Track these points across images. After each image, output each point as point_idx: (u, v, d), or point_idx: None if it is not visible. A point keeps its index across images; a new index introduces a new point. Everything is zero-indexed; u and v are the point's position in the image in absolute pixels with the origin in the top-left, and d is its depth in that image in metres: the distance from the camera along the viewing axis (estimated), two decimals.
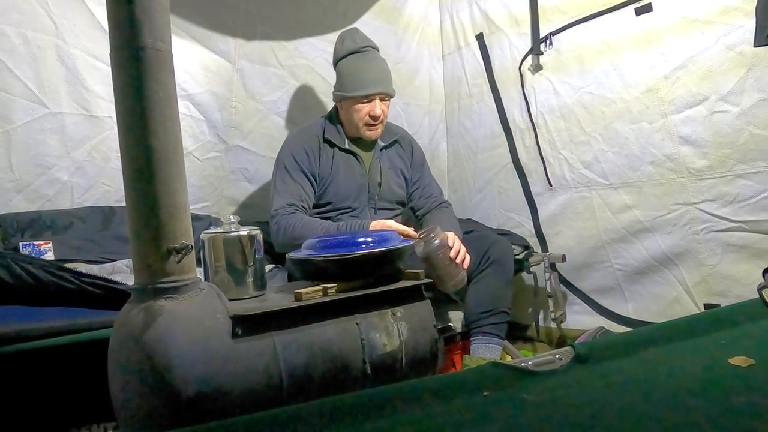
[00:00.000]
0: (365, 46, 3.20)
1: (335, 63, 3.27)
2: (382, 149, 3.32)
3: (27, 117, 2.95)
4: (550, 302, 3.77)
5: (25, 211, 2.96)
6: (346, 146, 3.23)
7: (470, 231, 3.41)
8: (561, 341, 3.76)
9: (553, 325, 3.82)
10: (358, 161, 3.24)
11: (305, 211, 3.04)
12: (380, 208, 3.29)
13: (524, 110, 3.90)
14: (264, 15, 3.71)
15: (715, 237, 3.05)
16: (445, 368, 3.09)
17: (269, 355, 1.70)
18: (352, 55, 3.19)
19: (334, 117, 3.31)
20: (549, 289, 3.75)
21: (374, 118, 3.15)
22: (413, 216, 3.49)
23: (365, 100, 3.12)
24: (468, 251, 2.91)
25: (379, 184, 3.27)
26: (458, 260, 2.77)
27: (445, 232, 2.80)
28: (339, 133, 3.24)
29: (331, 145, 3.21)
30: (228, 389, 1.60)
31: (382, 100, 3.16)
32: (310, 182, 3.12)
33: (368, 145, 3.29)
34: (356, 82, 3.13)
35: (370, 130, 3.19)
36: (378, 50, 3.27)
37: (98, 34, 3.08)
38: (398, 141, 3.43)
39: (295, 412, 1.42)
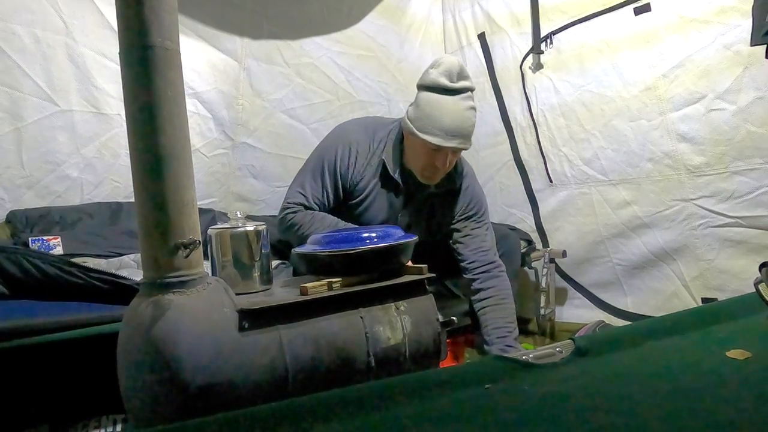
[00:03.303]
0: (463, 89, 2.65)
1: (420, 86, 2.73)
2: (429, 195, 2.91)
3: (38, 114, 2.99)
4: (542, 298, 3.79)
5: (34, 207, 3.00)
6: (395, 176, 2.79)
7: None
8: (561, 335, 3.79)
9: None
10: (397, 197, 2.86)
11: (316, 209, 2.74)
12: None
13: (525, 108, 3.93)
14: (270, 15, 3.74)
15: (713, 232, 3.08)
16: (447, 361, 3.11)
17: (275, 348, 1.68)
18: (442, 93, 2.65)
19: (401, 139, 2.84)
20: (543, 284, 3.78)
21: (437, 169, 2.72)
22: (458, 263, 2.98)
23: (435, 148, 2.64)
24: None
25: (408, 226, 2.91)
26: None
27: None
28: (394, 159, 2.80)
29: (381, 167, 2.80)
30: (235, 381, 1.60)
31: (453, 152, 2.70)
32: (336, 193, 2.79)
33: (419, 184, 2.84)
34: (433, 127, 2.63)
35: (426, 177, 2.77)
36: (473, 91, 2.72)
37: (107, 34, 3.12)
38: (457, 192, 2.96)
39: (300, 404, 1.43)
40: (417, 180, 2.82)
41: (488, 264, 2.91)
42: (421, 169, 2.75)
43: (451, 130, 2.63)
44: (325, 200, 2.77)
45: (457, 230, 2.96)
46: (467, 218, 2.97)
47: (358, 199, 2.83)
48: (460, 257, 2.95)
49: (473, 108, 2.70)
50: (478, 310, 2.87)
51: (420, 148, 2.69)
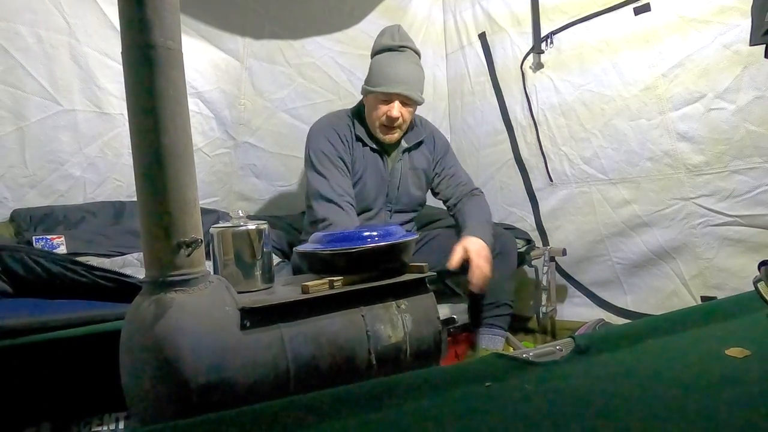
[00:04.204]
0: (402, 46, 3.02)
1: (371, 56, 3.12)
2: (404, 151, 3.18)
3: (41, 114, 2.99)
4: (543, 296, 3.80)
5: (38, 206, 3.01)
6: (374, 146, 3.09)
7: None
8: (561, 333, 3.80)
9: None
10: (384, 163, 3.13)
11: (352, 208, 2.92)
12: (396, 211, 3.20)
13: (525, 107, 3.94)
14: (272, 15, 3.75)
15: (712, 231, 3.09)
16: (448, 359, 3.11)
17: (277, 346, 1.69)
18: (386, 51, 3.02)
19: (362, 114, 3.15)
20: (544, 283, 3.79)
21: (390, 119, 2.97)
22: (444, 205, 3.34)
23: (384, 98, 2.95)
24: None
25: (398, 188, 3.17)
26: (478, 288, 2.76)
27: (459, 256, 2.78)
28: (367, 134, 3.10)
29: (363, 144, 3.09)
30: (237, 379, 1.61)
31: (403, 103, 2.98)
32: (348, 173, 3.01)
33: (393, 145, 3.15)
34: (380, 79, 2.96)
35: (383, 132, 3.03)
36: (418, 54, 3.10)
37: (110, 33, 3.12)
38: (423, 141, 3.26)
39: (302, 401, 1.43)
40: (391, 143, 3.12)
41: (469, 192, 3.23)
42: (378, 124, 3.02)
43: (395, 78, 2.94)
44: (345, 185, 2.94)
45: (437, 174, 3.29)
46: (441, 158, 3.30)
47: (356, 176, 3.04)
48: (443, 196, 3.30)
49: (417, 64, 3.07)
50: (458, 213, 3.18)
51: (373, 103, 3.02)
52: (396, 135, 3.06)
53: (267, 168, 3.90)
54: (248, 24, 3.67)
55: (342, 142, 3.01)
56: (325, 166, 2.93)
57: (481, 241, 2.85)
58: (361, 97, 3.14)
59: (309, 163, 3.00)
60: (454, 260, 2.77)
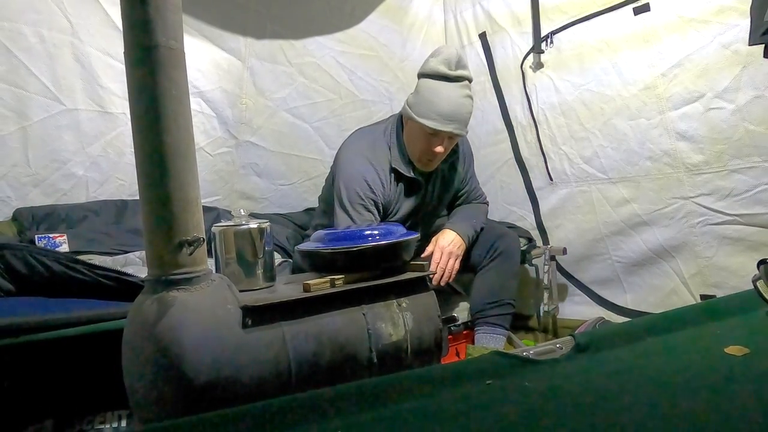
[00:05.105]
0: (459, 77, 2.81)
1: (420, 74, 2.91)
2: (440, 172, 3.12)
3: (43, 113, 3.00)
4: (546, 294, 3.81)
5: (40, 205, 3.02)
6: (412, 175, 2.97)
7: None
8: (561, 331, 3.80)
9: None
10: (419, 187, 3.05)
11: None
12: (424, 225, 3.16)
13: (526, 107, 3.94)
14: (273, 14, 3.75)
15: (711, 230, 3.10)
16: (449, 357, 3.12)
17: (278, 345, 1.70)
18: (440, 80, 2.80)
19: (399, 135, 3.02)
20: (546, 281, 3.79)
21: (434, 154, 2.86)
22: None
23: (431, 132, 2.79)
24: (476, 244, 3.02)
25: (430, 207, 3.17)
26: (434, 280, 2.80)
27: (430, 249, 2.87)
28: (405, 162, 2.97)
29: (398, 175, 2.97)
30: (238, 377, 1.62)
31: (450, 138, 2.85)
32: (379, 215, 2.91)
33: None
34: (430, 111, 2.78)
35: (423, 162, 2.94)
36: (471, 81, 2.89)
37: (112, 33, 3.13)
38: (457, 152, 3.17)
39: (303, 399, 1.43)
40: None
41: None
42: (420, 154, 2.90)
43: (447, 115, 2.78)
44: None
45: (463, 188, 3.30)
46: (468, 170, 3.27)
47: (388, 210, 2.98)
48: (456, 203, 3.34)
49: (470, 96, 2.86)
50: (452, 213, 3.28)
51: (418, 132, 2.85)
52: (436, 165, 2.99)
53: (268, 167, 3.90)
54: (250, 24, 3.68)
55: (381, 181, 2.91)
56: (356, 209, 2.84)
57: (455, 233, 2.92)
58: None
59: (338, 195, 2.90)
60: (426, 251, 2.87)
